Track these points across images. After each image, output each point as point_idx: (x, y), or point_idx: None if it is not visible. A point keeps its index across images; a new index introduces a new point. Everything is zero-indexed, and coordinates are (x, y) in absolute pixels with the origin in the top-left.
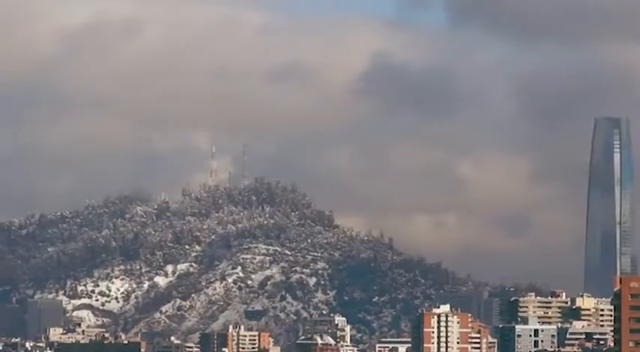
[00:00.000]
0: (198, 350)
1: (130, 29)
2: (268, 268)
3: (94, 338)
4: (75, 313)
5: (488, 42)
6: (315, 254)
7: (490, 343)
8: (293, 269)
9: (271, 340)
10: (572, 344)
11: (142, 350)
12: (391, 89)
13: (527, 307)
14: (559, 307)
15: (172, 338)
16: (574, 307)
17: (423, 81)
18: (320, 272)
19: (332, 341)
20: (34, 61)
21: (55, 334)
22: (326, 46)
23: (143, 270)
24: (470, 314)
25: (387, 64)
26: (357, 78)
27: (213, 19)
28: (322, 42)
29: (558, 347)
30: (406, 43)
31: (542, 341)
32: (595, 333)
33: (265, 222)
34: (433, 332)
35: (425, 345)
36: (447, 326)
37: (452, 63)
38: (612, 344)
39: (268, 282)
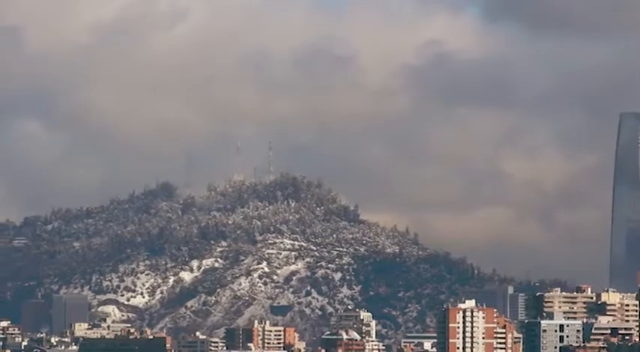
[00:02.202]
0: (224, 345)
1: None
2: (294, 263)
3: (119, 333)
4: (100, 308)
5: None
6: (341, 249)
7: (515, 338)
8: (318, 264)
9: (297, 335)
10: (598, 340)
11: (168, 345)
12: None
13: (552, 302)
14: (584, 302)
15: (197, 334)
16: (599, 302)
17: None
18: (345, 267)
19: (357, 337)
20: (79, 46)
21: (81, 329)
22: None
23: (168, 265)
24: (495, 310)
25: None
26: (396, 68)
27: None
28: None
29: (584, 342)
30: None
31: (567, 336)
32: (620, 328)
33: (290, 217)
34: (458, 328)
35: (450, 340)
36: (472, 322)
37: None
38: (637, 340)
39: (294, 277)
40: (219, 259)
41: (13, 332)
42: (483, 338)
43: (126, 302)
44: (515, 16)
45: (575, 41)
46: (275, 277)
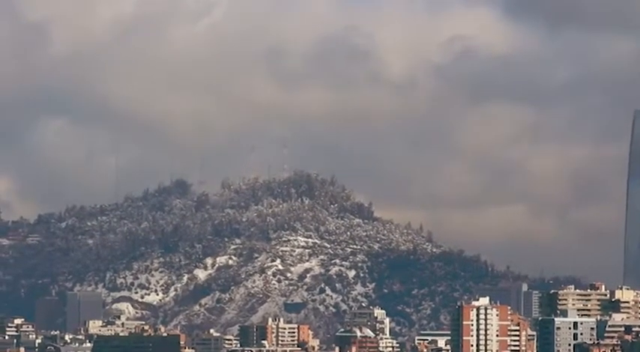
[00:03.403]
0: (238, 342)
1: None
2: (307, 260)
3: (133, 330)
4: (114, 305)
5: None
6: (355, 246)
7: (529, 335)
8: (332, 261)
9: (310, 332)
10: (612, 337)
11: (182, 342)
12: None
13: (566, 299)
14: (598, 299)
15: (211, 331)
16: (613, 299)
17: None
18: (359, 264)
19: (371, 334)
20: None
21: (95, 326)
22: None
23: (182, 263)
24: (509, 307)
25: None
26: (415, 63)
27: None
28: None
29: (597, 339)
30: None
31: (581, 333)
32: (634, 326)
33: (304, 215)
34: (472, 325)
35: (464, 338)
36: (486, 319)
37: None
38: None
39: (307, 275)
40: (233, 256)
41: (27, 329)
42: (497, 335)
43: (140, 300)
44: (537, 11)
45: (597, 36)
46: (289, 274)
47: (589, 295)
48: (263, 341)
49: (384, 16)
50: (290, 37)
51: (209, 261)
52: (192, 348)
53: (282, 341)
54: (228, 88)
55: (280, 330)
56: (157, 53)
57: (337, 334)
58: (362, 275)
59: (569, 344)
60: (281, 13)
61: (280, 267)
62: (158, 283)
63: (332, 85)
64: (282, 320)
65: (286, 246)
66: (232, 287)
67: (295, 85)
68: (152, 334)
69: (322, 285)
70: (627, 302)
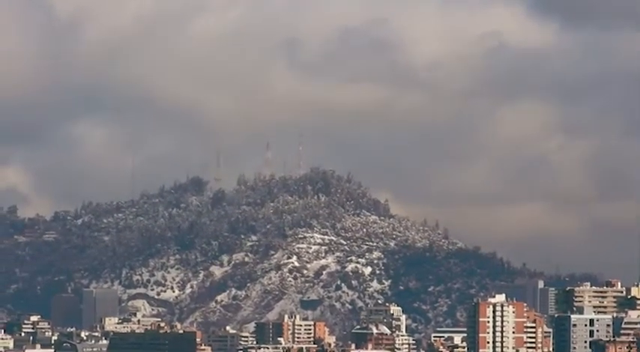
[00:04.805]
0: (254, 339)
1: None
2: (324, 257)
3: (149, 327)
4: (130, 302)
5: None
6: (371, 243)
7: (545, 332)
8: (348, 258)
9: (327, 329)
10: (628, 334)
11: (198, 339)
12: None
13: (582, 296)
14: (614, 296)
15: (228, 328)
16: (629, 297)
17: None
18: (375, 261)
19: (387, 331)
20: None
21: (111, 323)
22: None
23: (198, 260)
24: (525, 304)
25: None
26: (440, 58)
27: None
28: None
29: (614, 336)
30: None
31: (597, 330)
32: None
33: (320, 212)
34: (488, 322)
35: (480, 335)
36: (502, 316)
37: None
38: None
39: (324, 272)
40: (249, 253)
41: (43, 326)
42: (513, 332)
43: (156, 297)
44: (563, 8)
45: (622, 31)
46: (305, 271)
47: (605, 292)
48: (279, 338)
49: (410, 10)
50: (310, 30)
51: (225, 257)
52: (209, 345)
53: (298, 338)
54: (245, 85)
55: (296, 327)
56: (179, 48)
57: (353, 331)
58: (378, 272)
59: (585, 341)
60: (301, 6)
61: (296, 264)
62: (174, 280)
63: (348, 77)
64: (298, 317)
65: (302, 243)
66: (248, 284)
67: (314, 79)
68: (168, 331)
69: (338, 282)
70: None
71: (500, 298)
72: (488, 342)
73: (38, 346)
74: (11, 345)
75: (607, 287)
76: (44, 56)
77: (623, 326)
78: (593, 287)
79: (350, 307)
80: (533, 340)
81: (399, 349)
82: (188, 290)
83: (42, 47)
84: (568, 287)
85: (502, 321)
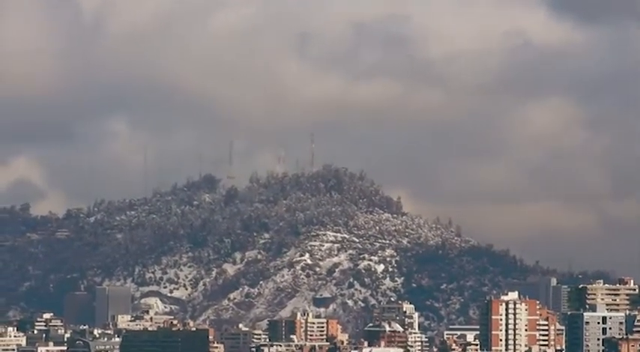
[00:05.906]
0: (266, 337)
1: None
2: (336, 255)
3: (162, 325)
4: (143, 300)
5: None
6: (383, 241)
7: (558, 330)
8: (361, 256)
9: (339, 327)
10: None
11: (210, 337)
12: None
13: (595, 294)
14: (627, 294)
15: (240, 325)
16: None
17: None
18: (388, 259)
19: (400, 328)
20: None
21: (123, 321)
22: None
23: (211, 257)
24: (538, 302)
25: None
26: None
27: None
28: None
29: (626, 334)
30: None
31: (610, 328)
32: None
33: (333, 209)
34: (501, 320)
35: (493, 332)
36: (515, 314)
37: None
38: None
39: (336, 269)
40: (261, 251)
41: (55, 324)
42: (526, 330)
43: (169, 294)
44: (581, 6)
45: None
46: (318, 269)
47: (618, 290)
48: (292, 336)
49: (429, 5)
50: (325, 25)
51: (238, 255)
52: (221, 343)
53: (310, 335)
54: (259, 81)
55: (309, 325)
56: (195, 43)
57: (366, 329)
58: (391, 269)
59: (598, 339)
60: (318, 1)
61: (309, 262)
62: (187, 278)
63: (363, 74)
64: (310, 314)
65: (315, 241)
66: (261, 282)
67: (329, 75)
68: (181, 329)
69: (351, 280)
70: None
71: (513, 296)
72: (500, 340)
73: (51, 343)
74: (24, 343)
75: (620, 284)
76: (66, 55)
77: (636, 323)
78: (606, 285)
79: (362, 305)
80: (546, 338)
81: (411, 347)
82: (201, 288)
83: (64, 46)
84: (581, 285)
85: (515, 319)
